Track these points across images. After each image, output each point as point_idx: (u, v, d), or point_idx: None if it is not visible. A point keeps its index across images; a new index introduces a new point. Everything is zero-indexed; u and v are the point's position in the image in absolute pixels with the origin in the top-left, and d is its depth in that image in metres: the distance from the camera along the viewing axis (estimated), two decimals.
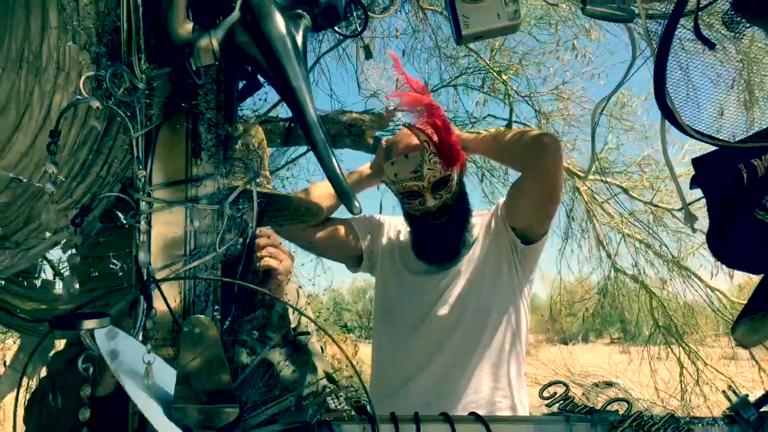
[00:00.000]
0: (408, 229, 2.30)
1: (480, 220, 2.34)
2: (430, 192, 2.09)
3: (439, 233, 2.19)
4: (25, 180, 1.02)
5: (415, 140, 2.08)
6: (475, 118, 4.31)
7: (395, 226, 2.42)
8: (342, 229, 2.35)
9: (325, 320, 2.40)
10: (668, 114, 1.09)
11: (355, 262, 2.40)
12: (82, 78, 0.97)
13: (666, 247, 4.62)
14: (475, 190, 4.72)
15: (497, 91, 4.08)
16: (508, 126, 4.27)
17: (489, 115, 4.43)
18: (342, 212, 2.38)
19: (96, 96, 0.96)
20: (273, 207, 1.50)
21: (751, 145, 1.10)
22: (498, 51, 4.13)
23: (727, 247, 1.11)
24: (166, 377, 1.01)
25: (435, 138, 2.07)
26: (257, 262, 1.30)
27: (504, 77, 4.08)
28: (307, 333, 1.45)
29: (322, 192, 2.22)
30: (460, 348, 2.16)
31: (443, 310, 2.19)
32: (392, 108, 3.62)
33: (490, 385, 2.14)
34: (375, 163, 2.32)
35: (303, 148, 3.71)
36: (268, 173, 1.56)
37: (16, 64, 0.96)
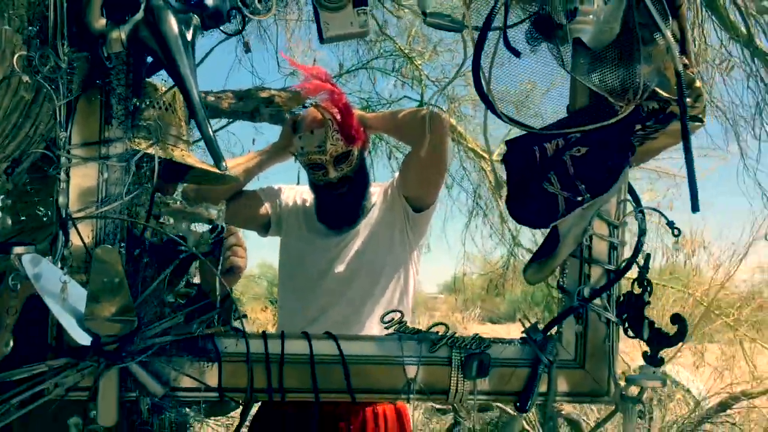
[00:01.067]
0: (312, 196, 2.60)
1: (379, 190, 2.65)
2: (332, 165, 2.37)
3: (339, 201, 2.48)
4: None
5: (320, 117, 2.36)
6: (388, 100, 4.60)
7: (301, 194, 2.71)
8: (251, 198, 2.63)
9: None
10: (487, 102, 1.41)
11: (263, 227, 2.69)
12: (15, 56, 1.23)
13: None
14: (388, 166, 5.07)
15: (407, 75, 4.39)
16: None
17: (405, 96, 4.75)
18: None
19: (26, 71, 1.23)
20: (192, 175, 1.76)
21: (547, 132, 1.44)
22: (414, 38, 4.44)
23: (521, 210, 1.45)
24: (80, 297, 1.28)
25: (338, 117, 2.36)
26: (225, 260, 1.58)
27: (418, 62, 4.40)
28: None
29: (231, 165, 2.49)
30: (355, 300, 2.47)
31: (341, 267, 2.50)
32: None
33: (380, 334, 2.47)
34: (282, 136, 2.60)
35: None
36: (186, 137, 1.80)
37: None
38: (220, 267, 1.49)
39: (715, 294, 5.23)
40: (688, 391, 5.61)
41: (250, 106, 3.45)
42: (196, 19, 1.23)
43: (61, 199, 1.25)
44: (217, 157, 1.19)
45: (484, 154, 4.57)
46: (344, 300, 2.47)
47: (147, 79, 1.41)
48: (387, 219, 2.55)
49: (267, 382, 1.38)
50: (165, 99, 1.67)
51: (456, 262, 5.97)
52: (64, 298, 1.23)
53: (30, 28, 1.27)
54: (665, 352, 1.44)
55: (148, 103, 1.41)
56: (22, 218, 1.47)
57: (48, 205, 1.44)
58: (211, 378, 1.37)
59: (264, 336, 1.40)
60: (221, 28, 1.29)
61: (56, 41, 1.25)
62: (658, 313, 5.40)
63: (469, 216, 5.26)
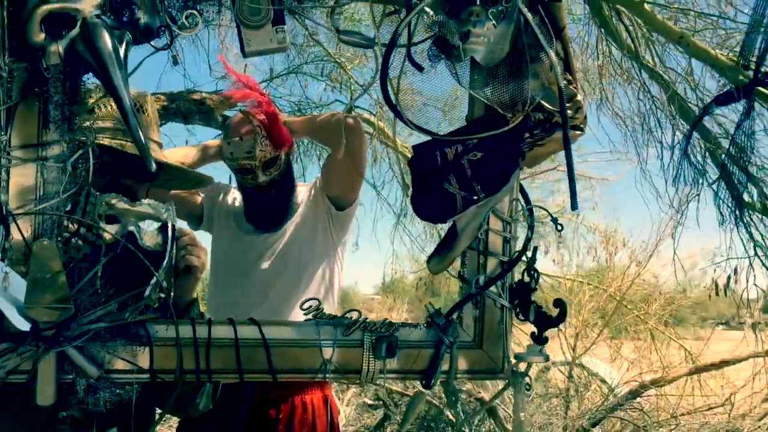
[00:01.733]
0: (242, 197, 2.73)
1: (304, 190, 2.81)
2: (261, 169, 2.51)
3: (267, 203, 2.63)
4: None
5: (249, 125, 2.49)
6: (318, 104, 4.76)
7: (233, 193, 2.84)
8: (187, 192, 2.75)
9: None
10: (395, 111, 1.59)
11: (195, 221, 2.81)
12: None
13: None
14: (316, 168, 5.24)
15: (337, 80, 4.56)
16: (349, 113, 4.79)
17: (336, 100, 4.93)
18: None
19: None
20: (167, 176, 1.88)
21: (448, 138, 1.62)
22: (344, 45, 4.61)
23: (424, 207, 1.63)
24: (20, 287, 1.40)
25: (266, 123, 2.50)
26: (180, 260, 1.68)
27: (347, 67, 4.57)
28: None
29: (176, 157, 2.60)
30: (280, 296, 2.62)
31: (266, 264, 2.64)
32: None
33: None
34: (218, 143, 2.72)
35: None
36: (157, 139, 1.91)
37: None
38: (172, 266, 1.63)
39: (626, 289, 5.58)
40: (603, 381, 5.95)
41: (182, 108, 3.55)
42: (128, 35, 1.36)
43: (2, 197, 1.36)
44: (149, 161, 1.33)
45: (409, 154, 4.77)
46: (270, 296, 2.61)
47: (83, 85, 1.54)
48: (311, 218, 2.71)
49: (195, 363, 1.52)
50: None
51: (386, 262, 6.18)
52: (5, 287, 1.34)
53: None
54: (550, 333, 1.64)
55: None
56: None
57: None
58: (143, 361, 1.50)
59: (192, 321, 1.54)
60: (152, 43, 1.43)
61: None
62: (575, 307, 5.75)
63: (397, 218, 5.47)
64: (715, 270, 3.42)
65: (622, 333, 6.26)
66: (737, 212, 2.67)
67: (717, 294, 3.42)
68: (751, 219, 2.77)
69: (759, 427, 4.90)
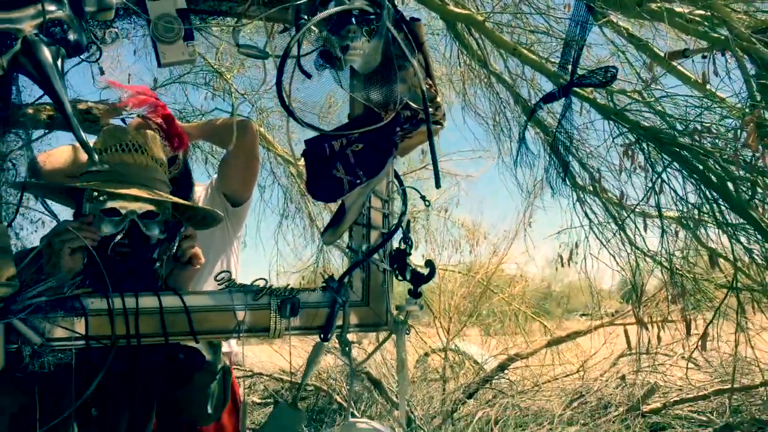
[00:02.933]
0: None
1: (201, 188, 3.06)
2: None
3: None
4: None
5: (148, 128, 2.72)
6: (201, 111, 4.99)
7: None
8: None
9: None
10: (289, 112, 1.91)
11: None
12: None
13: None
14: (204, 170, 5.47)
15: (218, 88, 4.81)
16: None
17: (216, 108, 5.17)
18: None
19: None
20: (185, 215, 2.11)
21: (333, 133, 1.97)
22: (223, 54, 4.87)
23: (317, 190, 1.97)
24: None
25: (164, 126, 2.74)
26: (184, 251, 1.97)
27: (228, 76, 4.83)
28: None
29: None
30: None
31: None
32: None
33: None
34: None
35: None
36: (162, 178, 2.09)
37: None
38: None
39: (491, 275, 6.16)
40: (475, 361, 6.51)
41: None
42: (61, 51, 1.61)
43: None
44: (91, 155, 1.58)
45: (291, 159, 5.10)
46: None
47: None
48: None
49: (126, 329, 1.77)
50: (133, 140, 2.00)
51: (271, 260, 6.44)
52: None
53: None
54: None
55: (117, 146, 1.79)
56: None
57: None
58: (80, 329, 1.73)
59: (121, 294, 1.79)
60: (81, 56, 1.68)
61: None
62: (448, 294, 6.27)
63: (281, 217, 5.77)
64: (560, 245, 3.99)
65: (490, 316, 6.88)
66: (573, 193, 3.22)
67: (562, 265, 3.97)
68: (585, 200, 3.32)
69: (606, 385, 5.60)
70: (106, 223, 1.90)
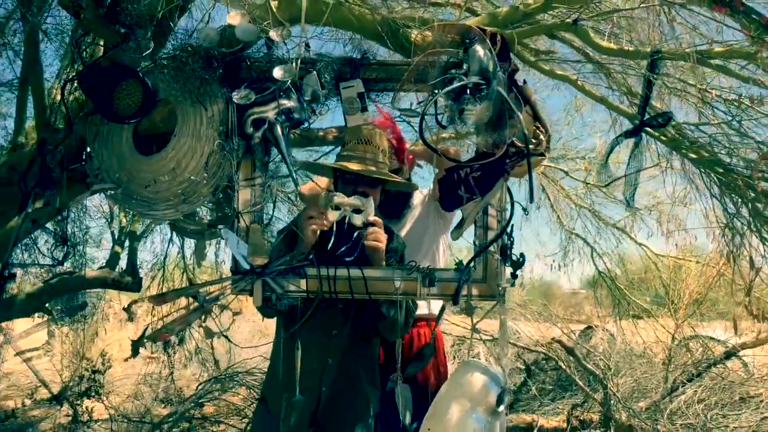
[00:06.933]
0: None
1: (420, 195, 4.17)
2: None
3: (390, 201, 4.01)
4: None
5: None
6: None
7: None
8: None
9: None
10: (433, 149, 2.91)
11: None
12: None
13: None
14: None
15: None
16: None
17: None
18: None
19: None
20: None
21: (462, 164, 2.91)
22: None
23: (444, 203, 2.94)
24: (244, 247, 2.90)
25: (394, 143, 3.87)
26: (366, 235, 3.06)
27: None
28: None
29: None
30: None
31: None
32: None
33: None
34: None
35: None
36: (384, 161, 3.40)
37: None
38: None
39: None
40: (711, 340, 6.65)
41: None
42: (286, 125, 2.83)
43: (237, 206, 2.91)
44: (294, 181, 2.78)
45: None
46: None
47: None
48: (425, 213, 4.05)
49: (328, 287, 2.94)
50: (366, 135, 3.31)
51: None
52: (239, 247, 2.87)
53: None
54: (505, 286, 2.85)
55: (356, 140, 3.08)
56: None
57: None
58: (303, 286, 2.95)
59: (326, 266, 2.97)
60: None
61: None
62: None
63: None
64: None
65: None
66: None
67: None
68: None
69: None
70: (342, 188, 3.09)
